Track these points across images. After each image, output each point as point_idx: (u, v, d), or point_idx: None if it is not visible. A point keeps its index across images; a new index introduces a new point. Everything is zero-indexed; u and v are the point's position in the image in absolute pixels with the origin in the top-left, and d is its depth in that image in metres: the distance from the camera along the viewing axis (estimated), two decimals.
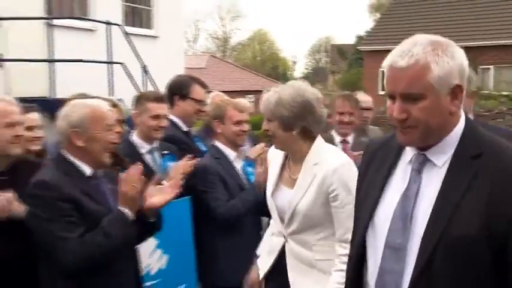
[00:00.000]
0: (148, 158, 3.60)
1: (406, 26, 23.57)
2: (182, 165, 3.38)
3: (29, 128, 3.31)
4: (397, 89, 1.71)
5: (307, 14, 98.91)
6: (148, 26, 11.73)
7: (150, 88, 8.71)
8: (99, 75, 8.22)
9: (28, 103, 3.35)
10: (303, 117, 2.73)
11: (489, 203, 1.60)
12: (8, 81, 8.04)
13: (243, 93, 19.58)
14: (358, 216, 1.95)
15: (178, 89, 4.01)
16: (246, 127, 3.65)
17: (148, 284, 3.09)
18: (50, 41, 8.47)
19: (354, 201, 2.17)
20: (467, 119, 1.78)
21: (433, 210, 1.67)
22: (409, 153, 1.82)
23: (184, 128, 3.98)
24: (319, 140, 2.83)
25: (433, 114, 1.69)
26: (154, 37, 11.58)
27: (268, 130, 2.87)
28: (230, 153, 3.63)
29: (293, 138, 2.77)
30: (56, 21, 8.72)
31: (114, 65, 8.58)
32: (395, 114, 1.71)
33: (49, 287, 2.66)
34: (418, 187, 1.75)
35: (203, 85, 4.12)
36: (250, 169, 3.68)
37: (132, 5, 11.37)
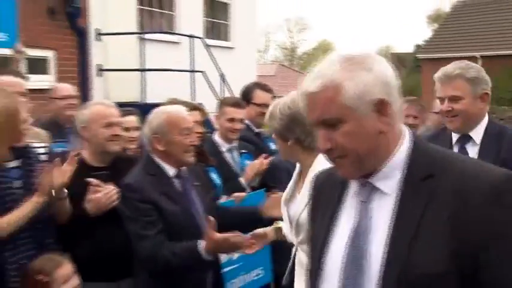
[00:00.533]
0: (227, 156, 3.71)
1: (462, 35, 22.75)
2: (257, 164, 3.48)
3: (127, 129, 3.46)
4: (314, 116, 1.39)
5: (369, 25, 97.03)
6: (226, 38, 11.87)
7: (227, 94, 8.85)
8: (183, 83, 8.42)
9: (122, 107, 3.47)
10: (291, 129, 2.43)
11: (450, 230, 1.28)
12: (106, 88, 8.38)
13: None
14: (309, 263, 1.56)
15: (245, 95, 4.14)
16: None
17: (229, 268, 3.17)
18: (142, 53, 8.72)
19: None
20: (414, 137, 1.44)
21: (387, 246, 1.33)
22: (354, 183, 1.47)
23: (255, 130, 4.07)
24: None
25: (359, 138, 1.36)
26: (231, 48, 11.72)
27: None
28: None
29: (291, 148, 2.48)
30: (147, 36, 8.97)
31: (196, 73, 8.76)
32: (319, 144, 1.41)
33: (141, 275, 2.77)
34: (368, 221, 1.39)
35: (266, 90, 4.17)
36: None
37: (212, 20, 11.56)
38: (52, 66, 7.71)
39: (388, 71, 1.40)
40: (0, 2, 4.33)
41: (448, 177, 1.33)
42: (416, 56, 29.12)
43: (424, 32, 61.56)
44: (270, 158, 3.52)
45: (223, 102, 3.85)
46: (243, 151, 3.78)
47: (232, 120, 3.68)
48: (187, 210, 2.74)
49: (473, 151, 2.74)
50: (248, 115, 4.01)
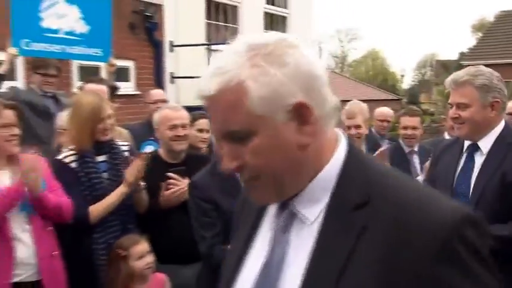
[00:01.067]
0: None
1: (505, 43, 21.75)
2: None
3: (200, 131, 3.58)
4: (215, 127, 0.99)
5: (415, 33, 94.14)
6: None
7: None
8: None
9: (192, 110, 3.56)
10: None
11: (376, 276, 0.88)
12: (177, 93, 8.62)
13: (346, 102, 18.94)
14: None
15: None
16: (353, 131, 3.54)
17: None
18: (209, 62, 8.87)
19: None
20: (351, 148, 1.02)
21: (303, 285, 0.94)
22: (273, 206, 1.07)
23: None
24: None
25: (273, 154, 0.94)
26: None
27: None
28: None
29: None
30: (213, 47, 9.12)
31: None
32: (223, 164, 0.99)
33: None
34: (283, 253, 0.99)
35: None
36: None
37: (271, 31, 11.62)
38: (132, 74, 8.01)
39: (310, 63, 0.94)
40: (98, 21, 4.54)
41: (386, 207, 0.92)
42: (461, 63, 28.05)
43: (468, 40, 59.18)
44: None
45: None
46: None
47: None
48: None
49: (479, 161, 2.45)
50: None
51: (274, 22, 11.71)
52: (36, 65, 4.30)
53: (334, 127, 1.03)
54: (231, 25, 10.44)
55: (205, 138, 3.66)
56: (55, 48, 4.29)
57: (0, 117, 2.53)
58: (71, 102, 2.87)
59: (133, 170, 2.85)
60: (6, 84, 4.33)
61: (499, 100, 2.41)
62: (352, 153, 1.01)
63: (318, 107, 0.95)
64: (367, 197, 0.94)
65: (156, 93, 4.62)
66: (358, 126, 3.56)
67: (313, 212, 0.99)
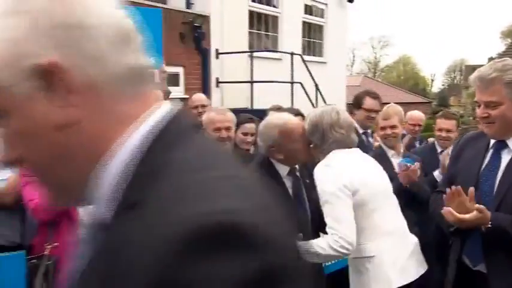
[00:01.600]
0: None
1: None
2: None
3: (244, 134, 3.50)
4: None
5: (445, 39, 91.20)
6: (320, 54, 11.73)
7: (321, 102, 8.74)
8: (283, 92, 8.44)
9: (235, 113, 3.50)
10: (313, 135, 2.40)
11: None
12: (222, 97, 8.61)
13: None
14: None
15: (356, 101, 4.09)
16: (388, 131, 3.45)
17: None
18: (251, 68, 8.84)
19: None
20: (162, 134, 0.63)
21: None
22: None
23: (360, 131, 3.99)
24: (330, 155, 2.38)
25: (29, 141, 0.61)
26: (324, 63, 11.56)
27: None
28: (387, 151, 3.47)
29: (315, 151, 2.47)
30: (255, 54, 9.10)
31: (295, 84, 8.74)
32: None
33: None
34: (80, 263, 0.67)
35: (374, 97, 4.08)
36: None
37: (308, 39, 11.48)
38: (181, 79, 8.06)
39: (69, 8, 0.60)
40: (150, 32, 4.56)
41: (145, 210, 0.56)
42: None
43: (497, 46, 56.73)
44: None
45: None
46: None
47: None
48: (294, 208, 2.58)
49: (506, 159, 2.13)
50: (357, 118, 3.98)
51: (311, 30, 11.54)
52: None
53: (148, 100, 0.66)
54: (271, 33, 10.36)
55: (249, 141, 3.61)
56: None
57: None
58: None
59: None
60: None
61: None
62: (157, 135, 0.62)
63: (87, 70, 0.60)
64: (139, 196, 0.58)
65: (196, 98, 4.57)
66: (393, 127, 3.44)
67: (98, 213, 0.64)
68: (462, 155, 2.30)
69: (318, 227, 2.44)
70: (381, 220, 2.29)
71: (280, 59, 9.70)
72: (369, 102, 4.01)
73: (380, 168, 2.52)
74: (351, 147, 2.41)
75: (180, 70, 7.98)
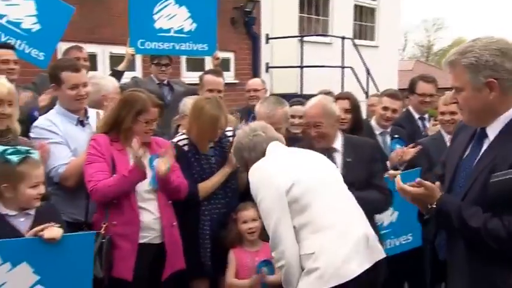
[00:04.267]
0: (380, 139, 3.62)
1: None
2: (399, 152, 3.31)
3: (292, 116, 3.52)
4: None
5: (500, 22, 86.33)
6: (372, 38, 11.47)
7: (372, 87, 8.56)
8: (333, 77, 8.35)
9: (284, 97, 3.50)
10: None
11: None
12: (272, 82, 8.63)
13: (442, 89, 17.87)
14: None
15: (410, 86, 4.03)
16: (447, 117, 3.40)
17: (381, 232, 2.97)
18: (301, 52, 8.79)
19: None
20: None
21: None
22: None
23: (416, 116, 3.93)
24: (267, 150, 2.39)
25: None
26: (376, 47, 11.30)
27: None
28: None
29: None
30: (306, 38, 9.03)
31: (345, 69, 8.61)
32: None
33: None
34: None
35: (428, 81, 3.98)
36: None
37: (360, 23, 11.23)
38: (232, 65, 8.14)
39: None
40: (204, 19, 4.60)
41: None
42: None
43: None
44: (418, 147, 3.29)
45: (383, 93, 3.81)
46: (396, 136, 3.63)
47: (386, 108, 3.60)
48: None
49: (483, 149, 1.88)
50: (412, 103, 3.93)
51: (363, 14, 11.28)
52: (152, 56, 4.50)
53: None
54: (322, 18, 10.21)
55: (297, 124, 3.63)
56: (166, 46, 4.42)
57: (148, 113, 2.65)
58: (195, 105, 2.93)
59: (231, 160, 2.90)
60: (128, 75, 4.57)
61: (493, 79, 1.77)
62: None
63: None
64: None
65: (251, 83, 4.58)
66: (453, 113, 3.37)
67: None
68: (454, 141, 2.12)
69: None
70: (316, 215, 2.16)
71: (330, 44, 9.58)
72: (422, 87, 3.93)
73: (318, 158, 2.41)
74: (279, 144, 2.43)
75: (230, 55, 8.05)
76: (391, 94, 3.68)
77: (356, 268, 2.08)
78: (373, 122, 3.71)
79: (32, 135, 2.80)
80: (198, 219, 2.89)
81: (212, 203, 2.94)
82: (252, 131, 2.43)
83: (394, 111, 3.62)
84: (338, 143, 2.85)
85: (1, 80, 2.46)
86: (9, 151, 2.17)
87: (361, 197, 2.42)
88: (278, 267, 2.21)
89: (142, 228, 2.60)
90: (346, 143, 2.86)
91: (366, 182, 2.74)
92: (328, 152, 2.76)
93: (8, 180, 2.15)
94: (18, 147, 2.25)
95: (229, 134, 3.09)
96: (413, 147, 3.30)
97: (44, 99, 3.48)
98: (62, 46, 4.59)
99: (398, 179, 1.94)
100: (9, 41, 3.85)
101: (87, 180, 2.57)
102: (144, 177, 2.58)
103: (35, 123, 2.86)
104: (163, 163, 2.58)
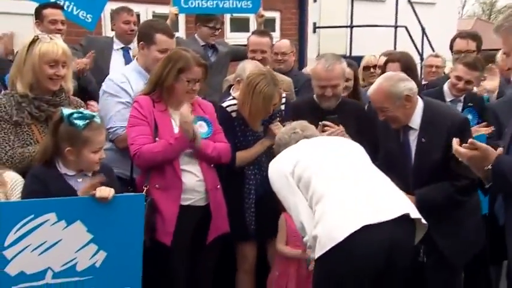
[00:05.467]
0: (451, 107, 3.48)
1: None
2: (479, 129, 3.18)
3: (347, 80, 3.46)
4: None
5: None
6: None
7: (427, 48, 8.24)
8: (385, 38, 8.08)
9: None
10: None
11: None
12: (319, 43, 8.49)
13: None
14: None
15: (450, 45, 3.92)
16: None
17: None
18: (351, 11, 8.55)
19: None
20: None
21: None
22: None
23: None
24: None
25: None
26: (433, 4, 10.77)
27: None
28: None
29: None
30: None
31: (399, 28, 8.31)
32: None
33: None
34: None
35: (463, 37, 3.91)
36: None
37: None
38: (277, 25, 8.02)
39: None
40: None
41: None
42: None
43: None
44: (491, 128, 3.10)
45: (461, 59, 3.53)
46: (470, 104, 3.46)
47: (459, 78, 3.42)
48: (401, 148, 2.72)
49: None
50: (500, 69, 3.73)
51: None
52: (206, 19, 4.48)
53: None
54: None
55: (347, 86, 3.56)
56: (210, 4, 4.45)
57: (191, 72, 2.66)
58: (248, 82, 2.91)
59: (278, 126, 2.91)
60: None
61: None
62: None
63: None
64: None
65: (279, 45, 4.35)
66: None
67: None
68: None
69: None
70: (316, 186, 2.21)
71: (383, 1, 9.27)
72: (457, 43, 3.82)
73: (331, 142, 2.54)
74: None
75: (276, 15, 7.93)
76: (468, 63, 3.41)
77: (348, 228, 2.02)
78: (445, 87, 3.51)
79: (103, 87, 2.93)
80: (242, 183, 2.96)
81: (257, 168, 2.99)
82: (292, 129, 2.57)
83: (468, 82, 3.41)
84: (416, 119, 2.69)
85: (57, 40, 2.52)
86: (75, 115, 2.26)
87: (421, 198, 2.53)
88: (308, 247, 2.29)
89: (185, 190, 2.66)
90: (426, 118, 2.68)
91: (442, 166, 2.57)
92: (404, 132, 2.71)
93: (72, 144, 2.26)
94: (84, 111, 2.34)
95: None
96: (485, 126, 3.16)
97: (85, 63, 3.54)
98: (107, 6, 4.67)
99: (455, 141, 1.99)
100: (58, 1, 3.96)
101: (130, 143, 2.65)
102: (190, 145, 2.64)
103: (110, 76, 2.99)
104: (196, 133, 2.63)
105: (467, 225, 2.67)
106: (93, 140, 2.27)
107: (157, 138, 2.63)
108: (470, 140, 1.94)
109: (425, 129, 2.65)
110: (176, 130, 2.67)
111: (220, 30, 4.55)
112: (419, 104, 2.69)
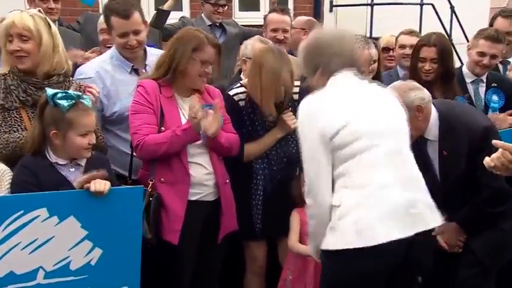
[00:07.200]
0: (471, 88, 3.42)
1: None
2: (498, 117, 3.10)
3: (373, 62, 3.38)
4: None
5: None
6: None
7: (456, 28, 8.07)
8: (410, 17, 7.92)
9: None
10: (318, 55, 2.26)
11: None
12: (336, 22, 8.37)
13: None
14: None
15: (489, 25, 3.83)
16: None
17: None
18: None
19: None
20: None
21: None
22: None
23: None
24: (334, 78, 2.25)
25: None
26: None
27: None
28: None
29: (319, 80, 2.28)
30: None
31: (425, 6, 8.15)
32: None
33: None
34: None
35: (507, 16, 3.77)
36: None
37: None
38: (291, 3, 7.93)
39: None
40: None
41: None
42: None
43: None
44: None
45: (479, 34, 3.45)
46: (493, 84, 3.40)
47: (482, 54, 3.36)
48: (423, 163, 2.62)
49: None
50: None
51: None
52: None
53: None
54: None
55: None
56: None
57: (204, 52, 2.60)
58: (254, 60, 2.88)
59: (290, 115, 2.85)
60: (174, 15, 4.55)
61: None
62: None
63: None
64: None
65: (276, 19, 4.17)
66: None
67: None
68: None
69: None
70: (355, 169, 2.11)
71: None
72: (498, 23, 3.71)
73: (390, 103, 2.29)
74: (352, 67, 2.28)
75: None
76: (489, 36, 3.35)
77: (383, 234, 2.03)
78: (464, 69, 3.47)
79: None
80: (250, 178, 2.91)
81: (266, 162, 2.94)
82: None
83: (493, 57, 3.36)
84: (432, 130, 2.64)
85: (29, 11, 2.46)
86: (59, 95, 2.22)
87: (461, 224, 2.63)
88: (309, 215, 2.24)
89: (193, 184, 2.61)
90: (444, 128, 2.62)
91: (468, 178, 2.54)
92: (419, 145, 2.62)
93: (57, 127, 2.23)
94: (70, 91, 2.30)
95: (294, 90, 3.01)
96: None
97: (85, 57, 3.41)
98: None
99: (486, 161, 1.91)
100: None
101: (132, 132, 2.60)
102: (197, 138, 2.59)
103: (80, 69, 2.92)
104: (212, 123, 2.54)
105: (503, 228, 2.64)
106: (79, 121, 2.23)
107: (162, 128, 2.58)
108: (494, 143, 1.88)
109: (444, 141, 2.60)
110: (183, 119, 2.62)
111: (226, 6, 4.47)
112: (433, 113, 2.63)
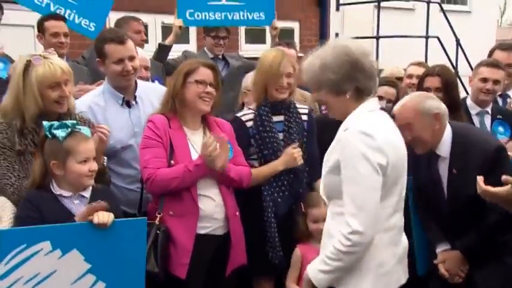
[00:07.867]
0: (476, 120, 3.45)
1: None
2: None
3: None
4: None
5: None
6: (463, 2, 10.94)
7: (462, 60, 8.17)
8: (416, 49, 8.04)
9: None
10: (353, 77, 2.08)
11: None
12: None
13: None
14: None
15: (488, 57, 3.86)
16: None
17: None
18: (378, 20, 8.55)
19: (361, 177, 1.95)
20: None
21: None
22: None
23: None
24: (367, 103, 2.13)
25: None
26: (468, 12, 10.77)
27: (319, 101, 2.45)
28: None
29: (347, 102, 2.11)
30: (383, 3, 8.75)
31: (430, 39, 8.28)
32: None
33: None
34: None
35: (504, 49, 3.84)
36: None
37: None
38: (296, 35, 8.09)
39: None
40: None
41: None
42: None
43: None
44: None
45: (479, 64, 3.55)
46: (499, 117, 3.44)
47: (485, 80, 3.41)
48: (432, 180, 2.71)
49: None
50: None
51: None
52: (209, 28, 4.54)
53: None
54: None
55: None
56: (217, 16, 4.46)
57: (197, 73, 2.66)
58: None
59: (297, 153, 2.89)
60: (181, 48, 4.66)
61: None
62: None
63: None
64: None
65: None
66: None
67: None
68: None
69: None
70: (385, 210, 2.08)
71: (413, 9, 9.28)
72: (496, 55, 3.76)
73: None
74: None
75: (295, 25, 8.01)
76: (490, 63, 3.48)
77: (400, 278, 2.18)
78: (468, 100, 3.53)
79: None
80: (261, 209, 2.90)
81: (274, 186, 2.93)
82: (349, 53, 2.09)
83: (496, 82, 3.41)
84: (444, 147, 2.60)
85: (51, 58, 2.47)
86: (55, 125, 2.27)
87: (464, 251, 2.63)
88: (351, 251, 2.02)
89: (202, 217, 2.62)
90: (456, 146, 2.59)
91: (475, 202, 2.41)
92: (430, 161, 2.63)
93: (56, 157, 2.26)
94: (66, 121, 2.33)
95: (302, 111, 3.07)
96: None
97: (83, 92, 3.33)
98: (111, 16, 4.76)
99: (479, 179, 2.01)
100: (58, 11, 4.03)
101: (143, 166, 2.62)
102: (209, 173, 2.62)
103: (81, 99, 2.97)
104: (220, 157, 2.57)
105: (507, 262, 2.59)
106: (76, 149, 2.26)
107: (172, 161, 2.61)
108: (504, 178, 1.92)
109: (455, 159, 2.57)
110: (193, 152, 2.65)
111: (226, 39, 4.57)
112: (448, 129, 2.61)
